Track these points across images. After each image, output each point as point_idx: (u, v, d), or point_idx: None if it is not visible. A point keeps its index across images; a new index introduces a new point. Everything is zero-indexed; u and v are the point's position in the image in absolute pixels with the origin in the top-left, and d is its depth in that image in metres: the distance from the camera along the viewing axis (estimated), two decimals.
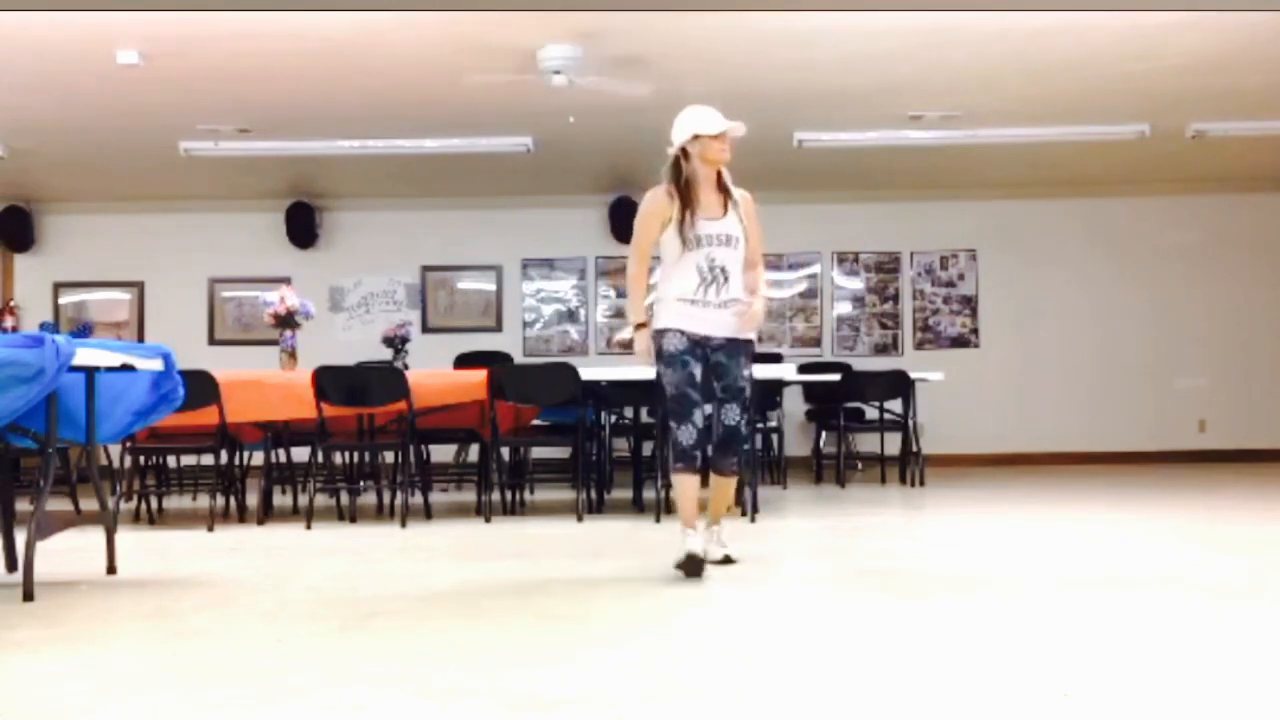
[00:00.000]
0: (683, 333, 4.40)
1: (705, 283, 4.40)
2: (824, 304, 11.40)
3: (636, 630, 3.42)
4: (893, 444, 9.18)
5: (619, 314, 11.20)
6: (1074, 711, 2.41)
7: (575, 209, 11.28)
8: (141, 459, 7.13)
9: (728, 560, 4.54)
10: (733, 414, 4.47)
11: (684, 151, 4.42)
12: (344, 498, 7.20)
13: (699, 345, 4.44)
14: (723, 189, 4.48)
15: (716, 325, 4.43)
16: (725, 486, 4.65)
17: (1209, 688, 2.65)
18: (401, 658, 3.00)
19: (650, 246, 4.50)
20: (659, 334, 4.44)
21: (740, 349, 4.47)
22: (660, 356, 4.45)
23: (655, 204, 4.46)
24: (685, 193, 4.39)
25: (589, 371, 6.57)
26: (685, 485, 4.43)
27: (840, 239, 11.37)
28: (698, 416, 4.40)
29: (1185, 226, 11.28)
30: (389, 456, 7.55)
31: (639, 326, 4.50)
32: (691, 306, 4.40)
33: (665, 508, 6.33)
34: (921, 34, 6.86)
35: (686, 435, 4.39)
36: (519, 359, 10.43)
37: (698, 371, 4.43)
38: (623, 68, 7.34)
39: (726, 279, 4.41)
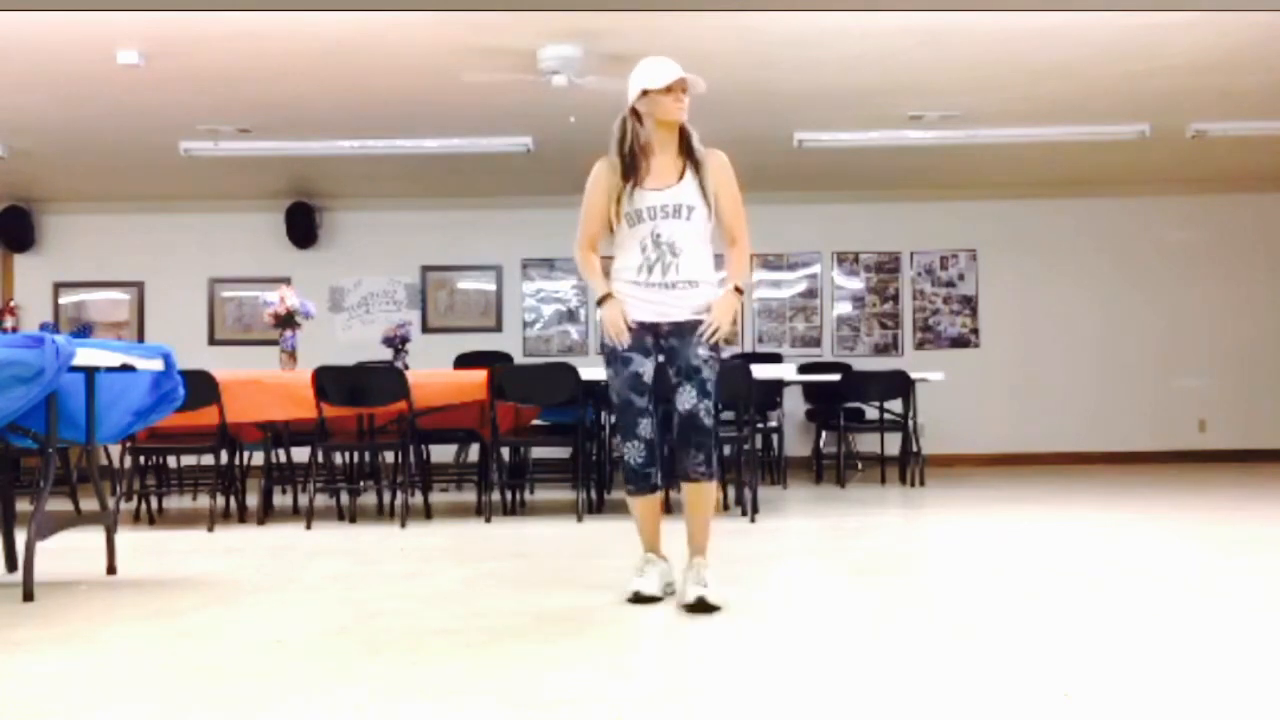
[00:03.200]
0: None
1: (649, 262, 3.76)
2: (824, 304, 11.39)
3: (636, 631, 3.42)
4: (893, 444, 9.18)
5: None
6: (1074, 711, 2.41)
7: (575, 209, 11.14)
8: (141, 459, 7.13)
9: (703, 606, 3.57)
10: (688, 397, 3.71)
11: (635, 113, 3.79)
12: (344, 498, 7.20)
13: (648, 333, 3.80)
14: (685, 152, 3.82)
15: (666, 308, 3.77)
16: (700, 500, 3.81)
17: (1209, 687, 2.65)
18: (401, 658, 3.00)
19: (597, 229, 3.90)
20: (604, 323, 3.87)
21: (694, 328, 3.76)
22: (604, 351, 3.87)
23: (598, 179, 3.88)
24: (629, 160, 3.79)
25: (589, 371, 6.56)
26: (639, 508, 3.90)
27: (840, 239, 11.37)
28: (644, 428, 3.77)
29: (1185, 226, 11.28)
30: (389, 456, 7.54)
31: (604, 299, 3.85)
32: (636, 289, 3.79)
33: (665, 508, 6.31)
34: (921, 34, 6.86)
35: (634, 453, 3.78)
36: (519, 359, 10.42)
37: (646, 370, 3.79)
38: (623, 68, 7.32)
39: (675, 255, 3.75)
